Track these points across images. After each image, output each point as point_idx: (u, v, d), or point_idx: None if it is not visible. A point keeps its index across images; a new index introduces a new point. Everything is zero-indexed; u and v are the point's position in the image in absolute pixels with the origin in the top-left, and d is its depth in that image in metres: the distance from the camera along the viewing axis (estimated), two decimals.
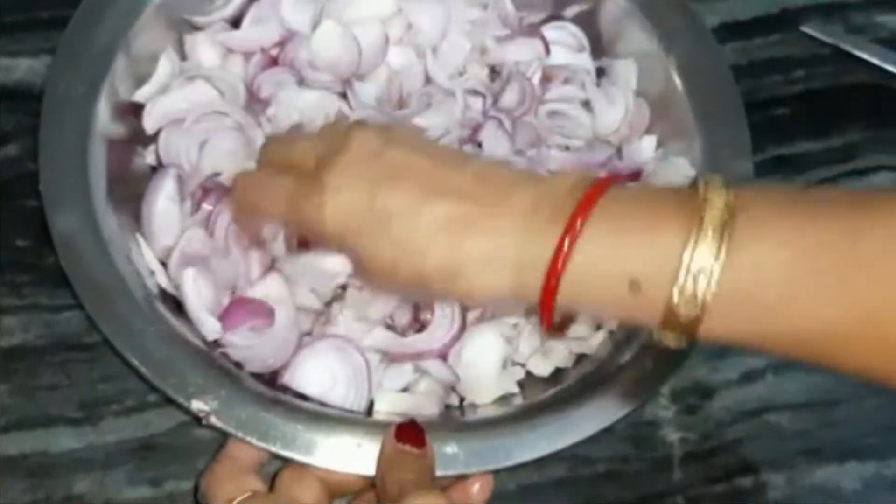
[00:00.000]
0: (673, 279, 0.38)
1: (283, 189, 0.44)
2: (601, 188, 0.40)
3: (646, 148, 0.59)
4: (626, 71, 0.60)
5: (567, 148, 0.58)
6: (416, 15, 0.58)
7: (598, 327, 0.54)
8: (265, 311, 0.50)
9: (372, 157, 0.42)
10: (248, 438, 0.45)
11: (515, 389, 0.52)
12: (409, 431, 0.45)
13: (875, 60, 0.67)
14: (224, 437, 0.47)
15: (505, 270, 0.40)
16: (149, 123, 0.53)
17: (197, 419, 0.46)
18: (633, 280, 0.39)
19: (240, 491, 0.45)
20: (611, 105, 0.59)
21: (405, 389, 0.51)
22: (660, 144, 0.59)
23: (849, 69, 0.67)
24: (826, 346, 0.39)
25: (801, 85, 0.66)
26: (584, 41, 0.62)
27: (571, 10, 0.62)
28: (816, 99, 0.66)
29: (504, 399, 0.52)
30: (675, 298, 0.38)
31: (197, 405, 0.45)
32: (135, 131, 0.53)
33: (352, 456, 0.46)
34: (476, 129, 0.56)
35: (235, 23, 0.58)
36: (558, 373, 0.53)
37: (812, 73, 0.67)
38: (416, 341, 0.51)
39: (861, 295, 0.38)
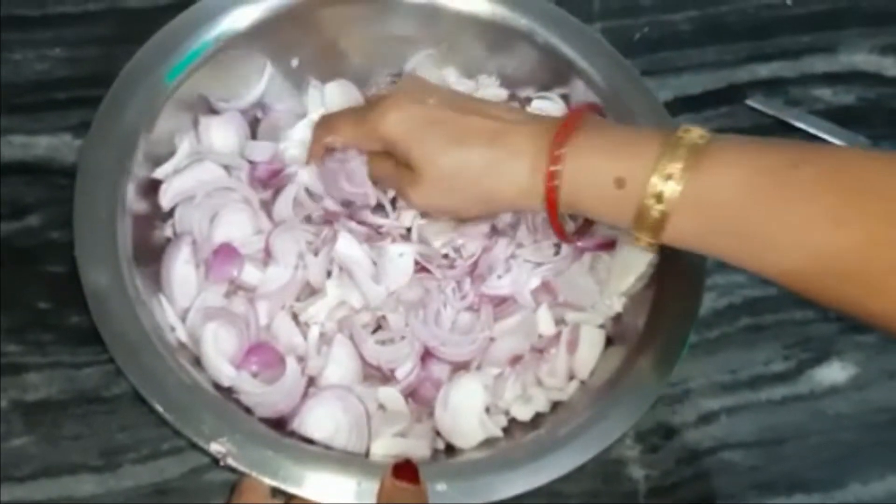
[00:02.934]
0: (648, 178, 0.47)
1: (353, 112, 0.58)
2: (579, 113, 0.52)
3: None
4: None
5: None
6: None
7: (572, 378, 0.58)
8: (277, 359, 0.54)
9: (422, 88, 0.56)
10: (261, 477, 0.48)
11: (498, 434, 0.55)
12: (406, 469, 0.48)
13: (812, 130, 0.70)
14: (235, 478, 0.50)
15: (522, 175, 0.52)
16: (165, 201, 0.57)
17: (215, 460, 0.48)
18: (619, 178, 0.49)
19: None
20: None
21: (400, 434, 0.54)
22: None
23: (789, 138, 0.70)
24: (763, 253, 0.47)
25: None
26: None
27: (554, 93, 0.66)
28: None
29: (487, 442, 0.55)
30: (648, 196, 0.47)
31: (215, 447, 0.48)
32: (155, 206, 0.57)
33: (353, 493, 0.49)
34: None
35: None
36: (538, 417, 0.57)
37: None
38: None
39: (793, 209, 0.45)
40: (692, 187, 0.47)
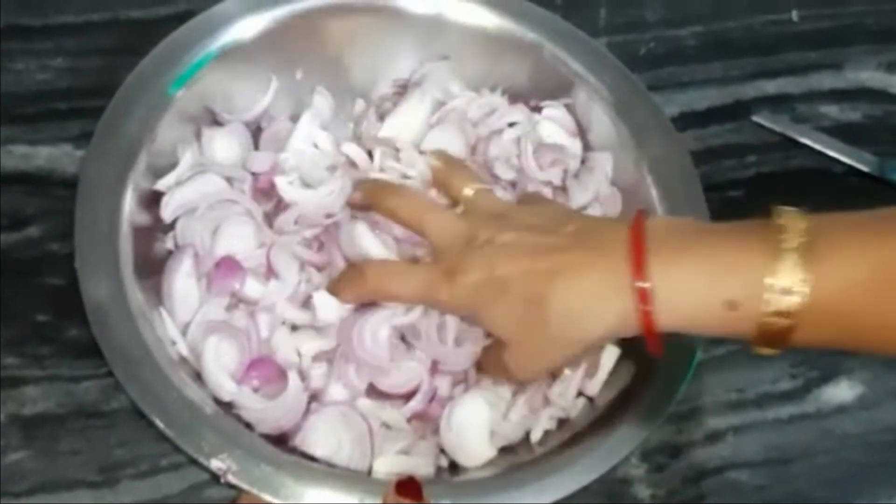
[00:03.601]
0: (762, 296, 0.43)
1: (416, 277, 0.52)
2: (641, 224, 0.48)
3: None
4: (603, 162, 0.63)
5: None
6: None
7: (580, 394, 0.57)
8: (279, 374, 0.53)
9: (487, 243, 0.51)
10: (262, 494, 0.48)
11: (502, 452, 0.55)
12: (409, 486, 0.47)
13: (818, 146, 0.70)
14: (233, 497, 0.49)
15: (610, 315, 0.47)
16: (166, 213, 0.56)
17: (216, 477, 0.48)
18: (729, 300, 0.45)
19: None
20: (582, 191, 0.63)
21: (403, 452, 0.54)
22: None
23: (795, 154, 0.71)
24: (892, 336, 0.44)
25: (753, 169, 0.70)
26: (575, 127, 0.65)
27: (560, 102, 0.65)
28: (767, 181, 0.69)
29: (491, 461, 0.54)
30: (769, 314, 0.44)
31: (216, 464, 0.48)
32: (157, 218, 0.56)
33: None
34: None
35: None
36: (543, 435, 0.56)
37: (763, 159, 0.70)
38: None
39: None
40: (814, 296, 0.43)
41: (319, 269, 0.57)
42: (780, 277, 0.43)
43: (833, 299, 0.44)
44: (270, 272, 0.56)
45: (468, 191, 0.56)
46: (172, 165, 0.58)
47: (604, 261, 0.47)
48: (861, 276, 0.43)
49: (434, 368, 0.55)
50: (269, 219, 0.59)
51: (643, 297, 0.46)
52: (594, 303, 0.48)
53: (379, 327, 0.54)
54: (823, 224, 0.45)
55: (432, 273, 0.52)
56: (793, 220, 0.45)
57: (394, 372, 0.54)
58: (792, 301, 0.43)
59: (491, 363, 0.55)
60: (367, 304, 0.54)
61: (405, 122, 0.62)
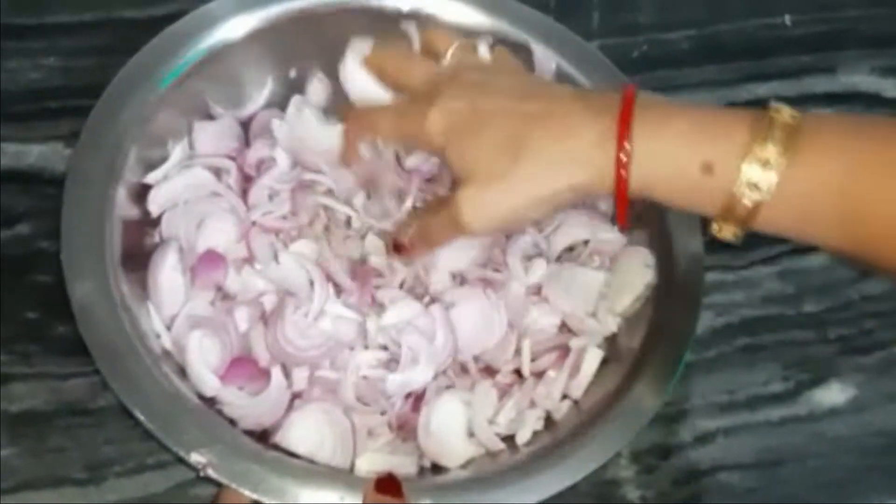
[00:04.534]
0: (741, 164, 0.43)
1: (397, 109, 0.52)
2: (634, 89, 0.47)
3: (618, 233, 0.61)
4: None
5: None
6: None
7: (565, 397, 0.58)
8: (261, 371, 0.53)
9: (474, 82, 0.50)
10: (241, 489, 0.48)
11: (481, 452, 0.55)
12: (388, 483, 0.48)
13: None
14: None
15: (586, 164, 0.46)
16: (153, 207, 0.57)
17: (195, 470, 0.48)
18: (706, 162, 0.44)
19: None
20: None
21: (386, 451, 0.54)
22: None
23: None
24: (854, 229, 0.43)
25: None
26: None
27: None
28: None
29: (475, 460, 0.55)
30: (742, 184, 0.43)
31: (195, 457, 0.48)
32: (146, 212, 0.57)
33: None
34: None
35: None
36: (530, 438, 0.56)
37: None
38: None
39: (893, 185, 0.42)
40: (791, 175, 0.43)
41: (293, 237, 0.57)
42: (761, 148, 0.43)
43: (806, 182, 0.43)
44: (250, 258, 0.57)
45: (454, 48, 0.54)
46: (165, 159, 0.58)
47: (591, 118, 0.47)
48: (837, 166, 0.43)
49: None
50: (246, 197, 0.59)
51: (622, 161, 0.45)
52: (573, 152, 0.47)
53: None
54: (812, 116, 0.44)
55: (413, 104, 0.51)
56: (783, 109, 0.44)
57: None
58: (767, 175, 0.43)
59: (434, 227, 0.52)
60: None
61: None
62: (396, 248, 0.55)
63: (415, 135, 0.50)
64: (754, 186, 0.43)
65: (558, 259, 0.61)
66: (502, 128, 0.48)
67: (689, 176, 0.44)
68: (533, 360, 0.58)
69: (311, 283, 0.55)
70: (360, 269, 0.57)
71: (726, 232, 0.45)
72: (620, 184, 0.46)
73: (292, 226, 0.58)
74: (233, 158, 0.59)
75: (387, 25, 0.63)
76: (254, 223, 0.58)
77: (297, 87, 0.64)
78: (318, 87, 0.64)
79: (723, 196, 0.44)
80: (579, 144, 0.46)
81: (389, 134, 0.53)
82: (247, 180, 0.59)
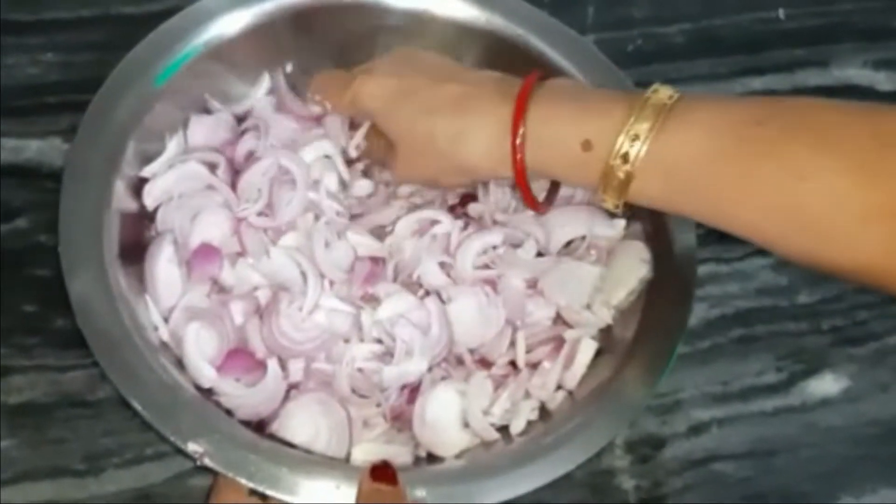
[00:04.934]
0: (615, 140, 0.48)
1: (341, 78, 0.60)
2: (533, 78, 0.53)
3: (617, 228, 0.61)
4: None
5: None
6: None
7: (559, 388, 0.58)
8: (257, 363, 0.54)
9: (405, 58, 0.58)
10: (238, 478, 0.48)
11: (476, 442, 0.55)
12: (383, 470, 0.48)
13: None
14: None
15: (490, 145, 0.52)
16: (149, 201, 0.57)
17: (192, 460, 0.48)
18: (585, 140, 0.49)
19: None
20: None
21: (381, 441, 0.54)
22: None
23: None
24: (727, 209, 0.46)
25: None
26: None
27: None
28: None
29: (470, 449, 0.55)
30: (614, 156, 0.48)
31: (192, 447, 0.48)
32: (143, 206, 0.57)
33: (331, 496, 0.49)
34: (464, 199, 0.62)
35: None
36: (524, 428, 0.56)
37: None
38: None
39: (758, 165, 0.45)
40: (657, 147, 0.47)
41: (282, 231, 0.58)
42: (632, 125, 0.47)
43: (671, 154, 0.47)
44: (243, 252, 0.57)
45: None
46: (162, 152, 0.58)
47: (497, 103, 0.52)
48: (701, 137, 0.46)
49: None
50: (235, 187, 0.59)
51: (517, 145, 0.51)
52: (477, 132, 0.52)
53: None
54: (688, 96, 0.48)
55: (354, 78, 0.58)
56: (662, 89, 0.48)
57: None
58: (635, 147, 0.47)
59: (380, 151, 0.60)
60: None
61: None
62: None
63: (352, 100, 0.58)
64: (624, 157, 0.47)
65: (556, 254, 0.61)
66: (422, 102, 0.54)
67: (572, 153, 0.50)
68: (528, 351, 0.58)
69: (304, 277, 0.55)
70: (355, 263, 0.58)
71: (608, 202, 0.50)
72: (518, 167, 0.51)
73: (277, 223, 0.58)
74: (223, 152, 0.59)
75: (381, 20, 0.64)
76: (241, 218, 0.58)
77: (295, 82, 0.65)
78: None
79: (600, 168, 0.49)
80: (483, 127, 0.52)
81: (336, 102, 0.61)
82: (236, 173, 0.59)
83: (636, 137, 0.47)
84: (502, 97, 0.52)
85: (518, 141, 0.51)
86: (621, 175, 0.48)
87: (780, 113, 0.46)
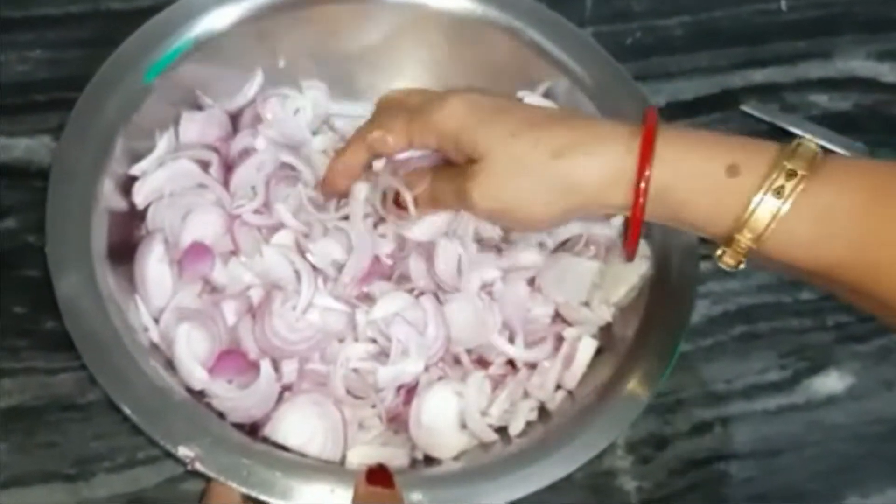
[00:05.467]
0: (768, 171, 0.42)
1: (401, 110, 0.52)
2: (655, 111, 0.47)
3: (614, 224, 0.61)
4: None
5: None
6: None
7: (559, 388, 0.57)
8: (250, 364, 0.53)
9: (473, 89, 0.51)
10: (230, 483, 0.47)
11: (476, 443, 0.55)
12: (379, 474, 0.48)
13: (808, 136, 0.64)
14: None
15: (608, 157, 0.46)
16: (139, 199, 0.56)
17: (183, 464, 0.48)
18: (732, 165, 0.43)
19: None
20: None
21: (377, 443, 0.53)
22: None
23: (784, 144, 0.71)
24: (867, 271, 0.42)
25: None
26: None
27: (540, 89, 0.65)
28: None
29: (468, 452, 0.54)
30: (766, 188, 0.42)
31: (183, 451, 0.48)
32: (133, 205, 0.56)
33: (326, 501, 0.48)
34: None
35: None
36: (523, 428, 0.55)
37: None
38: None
39: None
40: (816, 186, 0.42)
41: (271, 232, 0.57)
42: (785, 160, 0.43)
43: (830, 198, 0.42)
44: (236, 250, 0.56)
45: None
46: (153, 150, 0.58)
47: (613, 126, 0.47)
48: (860, 185, 0.43)
49: None
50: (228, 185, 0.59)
51: (644, 156, 0.45)
52: (593, 146, 0.46)
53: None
54: (828, 156, 0.44)
55: (426, 103, 0.51)
56: (812, 142, 0.44)
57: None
58: (791, 184, 0.42)
59: (442, 193, 0.52)
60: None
61: None
62: (397, 203, 0.54)
63: (427, 127, 0.50)
64: (779, 191, 0.42)
65: (554, 251, 0.61)
66: (523, 117, 0.48)
67: (712, 179, 0.44)
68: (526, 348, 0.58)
69: (298, 276, 0.54)
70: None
71: (730, 257, 0.45)
72: (639, 196, 0.45)
73: (272, 222, 0.57)
74: (216, 149, 0.58)
75: (374, 12, 0.63)
76: (236, 216, 0.57)
77: (288, 77, 0.64)
78: (315, 96, 0.64)
79: (744, 200, 0.43)
80: (600, 143, 0.46)
81: (401, 130, 0.51)
82: (229, 170, 0.58)
83: (792, 173, 0.42)
84: (615, 124, 0.47)
85: (648, 157, 0.44)
86: (769, 212, 0.42)
87: None
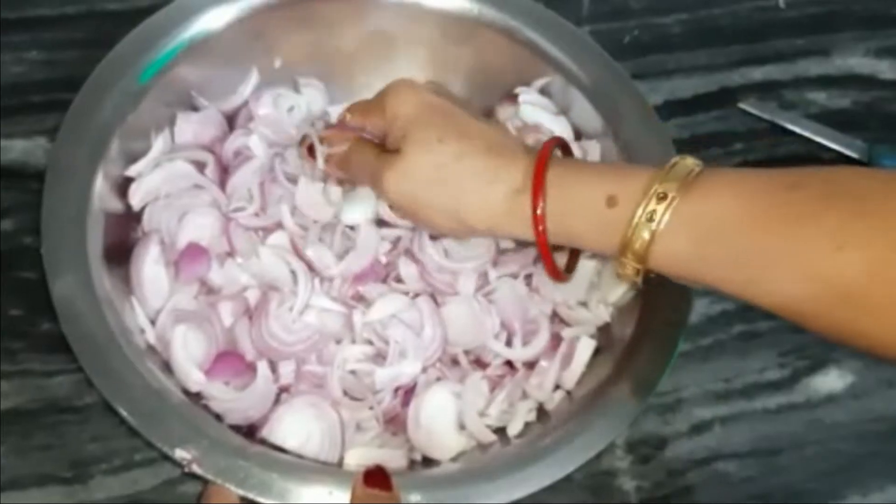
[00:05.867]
0: (641, 198, 0.46)
1: (366, 163, 0.54)
2: (552, 143, 0.51)
3: None
4: (590, 150, 0.63)
5: None
6: None
7: (557, 388, 0.57)
8: (247, 366, 0.53)
9: (441, 89, 0.56)
10: (227, 485, 0.47)
11: (475, 444, 0.54)
12: (377, 476, 0.46)
13: (807, 133, 0.69)
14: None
15: (508, 192, 0.50)
16: (134, 201, 0.56)
17: (180, 466, 0.47)
18: (611, 196, 0.47)
19: None
20: None
21: (375, 444, 0.53)
22: None
23: (783, 142, 0.70)
24: (758, 278, 0.45)
25: (739, 157, 0.69)
26: (555, 107, 0.64)
27: (535, 85, 0.65)
28: None
29: (467, 453, 0.54)
30: (640, 215, 0.46)
31: (180, 453, 0.47)
32: (129, 206, 0.56)
33: (324, 503, 0.48)
34: None
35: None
36: (522, 429, 0.55)
37: (750, 146, 0.69)
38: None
39: (791, 232, 0.43)
40: (687, 206, 0.45)
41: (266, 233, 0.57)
42: (660, 184, 0.46)
43: (702, 213, 0.45)
44: (232, 252, 0.56)
45: None
46: (148, 151, 0.58)
47: (522, 163, 0.50)
48: (732, 198, 0.45)
49: None
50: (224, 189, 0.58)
51: (536, 193, 0.49)
52: (497, 182, 0.50)
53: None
54: (716, 167, 0.47)
55: (389, 88, 0.55)
56: (688, 158, 0.47)
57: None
58: (663, 207, 0.45)
59: (357, 164, 0.55)
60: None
61: None
62: (310, 151, 0.56)
63: (378, 106, 0.54)
64: (650, 216, 0.46)
65: None
66: (457, 126, 0.51)
67: (596, 210, 0.48)
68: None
69: (294, 276, 0.54)
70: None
71: (628, 268, 0.48)
72: (539, 229, 0.49)
73: (268, 223, 0.57)
74: (211, 150, 0.58)
75: (371, 11, 0.63)
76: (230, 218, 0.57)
77: (285, 77, 0.64)
78: (312, 94, 0.64)
79: (623, 227, 0.47)
80: (509, 178, 0.50)
81: (360, 108, 0.55)
82: (225, 171, 0.58)
83: (663, 197, 0.46)
84: (529, 158, 0.51)
85: (539, 195, 0.49)
86: (646, 235, 0.46)
87: (812, 180, 0.45)
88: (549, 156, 0.50)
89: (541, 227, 0.49)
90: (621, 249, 0.47)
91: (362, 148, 0.55)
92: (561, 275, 0.54)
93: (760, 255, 0.44)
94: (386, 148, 0.54)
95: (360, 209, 0.57)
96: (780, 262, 0.43)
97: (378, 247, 0.57)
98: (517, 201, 0.50)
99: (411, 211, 0.53)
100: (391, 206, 0.57)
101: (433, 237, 0.57)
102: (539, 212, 0.49)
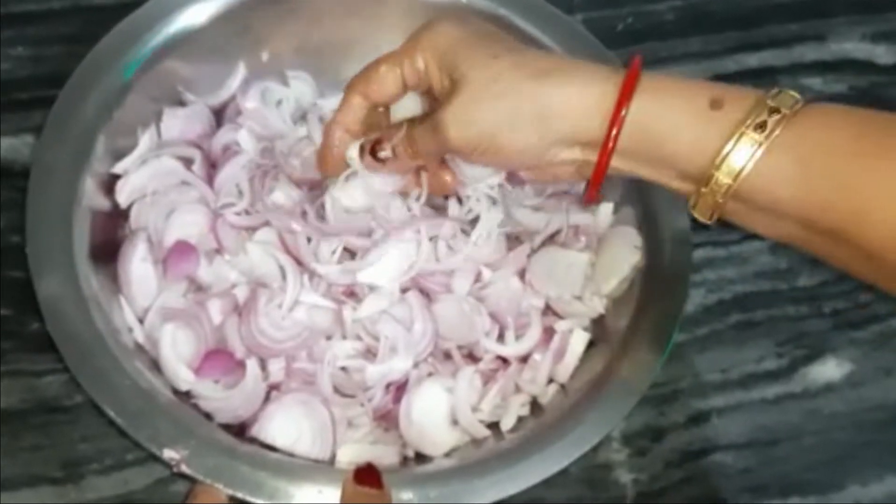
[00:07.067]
0: (751, 106, 0.42)
1: (425, 130, 0.49)
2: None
3: (604, 213, 0.61)
4: None
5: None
6: None
7: (551, 381, 0.57)
8: (236, 364, 0.52)
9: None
10: (217, 484, 0.47)
11: (467, 439, 0.54)
12: (367, 474, 0.46)
13: None
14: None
15: (590, 84, 0.45)
16: (121, 198, 0.56)
17: (168, 466, 0.47)
18: (715, 98, 0.43)
19: None
20: None
21: (367, 441, 0.53)
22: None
23: None
24: (851, 216, 0.41)
25: None
26: None
27: None
28: None
29: (460, 448, 0.54)
30: (749, 124, 0.41)
31: (168, 453, 0.47)
32: (116, 204, 0.56)
33: (314, 502, 0.48)
34: None
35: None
36: (515, 423, 0.55)
37: None
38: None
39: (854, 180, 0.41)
40: (797, 125, 0.41)
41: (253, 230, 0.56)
42: (769, 99, 0.42)
43: (813, 135, 0.42)
44: (220, 249, 0.56)
45: None
46: (135, 148, 0.57)
47: (595, 65, 0.46)
48: (845, 124, 0.42)
49: None
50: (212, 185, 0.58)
51: (628, 84, 0.44)
52: (575, 75, 0.46)
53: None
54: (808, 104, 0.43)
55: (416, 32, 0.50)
56: (789, 90, 0.43)
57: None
58: (774, 120, 0.41)
59: (418, 135, 0.50)
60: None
61: None
62: (374, 153, 0.52)
63: (414, 50, 0.49)
64: (762, 126, 0.41)
65: (542, 245, 0.60)
66: (505, 43, 0.48)
67: (695, 110, 0.43)
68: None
69: (283, 272, 0.54)
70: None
71: (704, 206, 0.44)
72: (615, 124, 0.44)
73: (256, 221, 0.56)
74: (199, 145, 0.58)
75: (359, 2, 0.62)
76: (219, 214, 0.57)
77: (272, 71, 0.63)
78: (301, 89, 0.64)
79: (724, 135, 0.42)
80: (582, 74, 0.45)
81: (389, 64, 0.51)
82: (212, 167, 0.57)
83: (775, 111, 0.42)
84: (598, 63, 0.47)
85: (631, 85, 0.44)
86: (750, 148, 0.41)
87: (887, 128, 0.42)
88: (642, 64, 0.45)
89: (615, 130, 0.44)
90: (715, 162, 0.42)
91: (415, 122, 0.51)
92: (597, 196, 0.49)
93: (871, 184, 0.41)
94: (436, 99, 0.50)
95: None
96: (878, 203, 0.41)
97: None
98: (597, 100, 0.45)
99: (485, 143, 0.47)
100: (463, 152, 0.50)
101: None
102: (624, 111, 0.44)
